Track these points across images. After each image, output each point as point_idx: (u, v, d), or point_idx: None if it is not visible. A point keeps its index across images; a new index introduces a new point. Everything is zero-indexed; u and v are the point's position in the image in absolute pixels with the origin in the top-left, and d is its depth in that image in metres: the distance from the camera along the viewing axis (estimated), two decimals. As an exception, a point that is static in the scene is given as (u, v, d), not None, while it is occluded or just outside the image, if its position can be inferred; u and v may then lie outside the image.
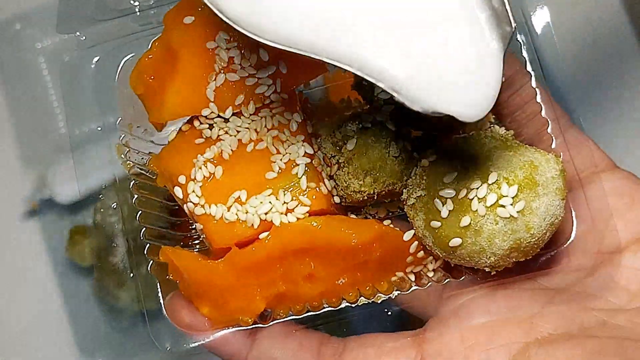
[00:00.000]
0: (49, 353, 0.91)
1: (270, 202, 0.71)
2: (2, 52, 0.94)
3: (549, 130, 0.77)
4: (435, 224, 0.70)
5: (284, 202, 0.71)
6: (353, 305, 0.74)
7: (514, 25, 0.61)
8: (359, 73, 0.61)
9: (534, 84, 0.78)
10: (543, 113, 0.78)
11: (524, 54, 0.79)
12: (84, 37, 0.83)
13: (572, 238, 0.75)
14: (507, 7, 0.61)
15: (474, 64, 0.61)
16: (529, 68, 0.79)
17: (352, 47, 0.61)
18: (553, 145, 0.77)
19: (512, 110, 0.80)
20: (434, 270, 0.76)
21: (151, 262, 0.76)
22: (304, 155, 0.72)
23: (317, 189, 0.72)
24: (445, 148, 0.72)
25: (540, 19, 0.88)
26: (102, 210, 0.92)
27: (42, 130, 0.91)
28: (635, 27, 0.95)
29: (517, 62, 0.80)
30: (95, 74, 0.82)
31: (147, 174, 0.79)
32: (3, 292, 0.93)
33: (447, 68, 0.62)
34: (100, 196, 0.89)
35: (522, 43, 0.79)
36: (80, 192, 0.83)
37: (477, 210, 0.68)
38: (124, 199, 0.79)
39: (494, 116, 0.80)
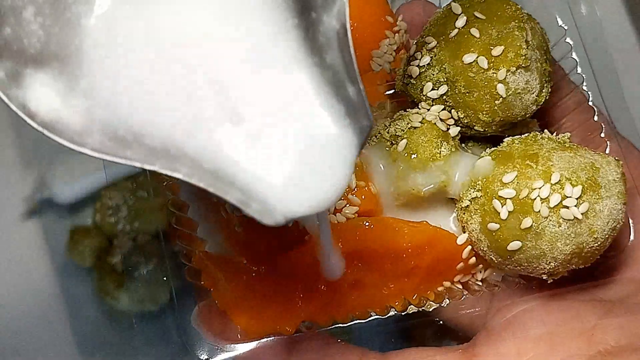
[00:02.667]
0: (49, 353, 0.90)
1: (318, 202, 0.66)
2: None
3: (602, 134, 0.74)
4: (493, 226, 0.66)
5: (333, 202, 0.67)
6: (402, 314, 0.70)
7: (371, 119, 0.52)
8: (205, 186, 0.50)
9: (585, 87, 0.76)
10: (595, 118, 0.75)
11: (574, 55, 0.76)
12: None
13: (629, 247, 0.72)
14: (364, 99, 0.52)
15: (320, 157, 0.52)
16: (579, 70, 0.76)
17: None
18: (607, 151, 0.74)
19: (558, 117, 0.78)
20: (482, 280, 0.72)
21: (187, 266, 0.71)
22: (352, 154, 0.68)
23: (367, 188, 0.68)
24: (500, 148, 0.69)
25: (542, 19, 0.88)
26: (102, 210, 0.91)
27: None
28: (635, 27, 0.94)
29: (560, 68, 0.77)
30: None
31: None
32: (3, 292, 0.91)
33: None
34: (100, 196, 0.87)
35: (571, 45, 0.77)
36: (80, 192, 0.79)
37: (539, 211, 0.64)
38: (124, 199, 0.75)
39: (538, 123, 0.77)
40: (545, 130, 0.73)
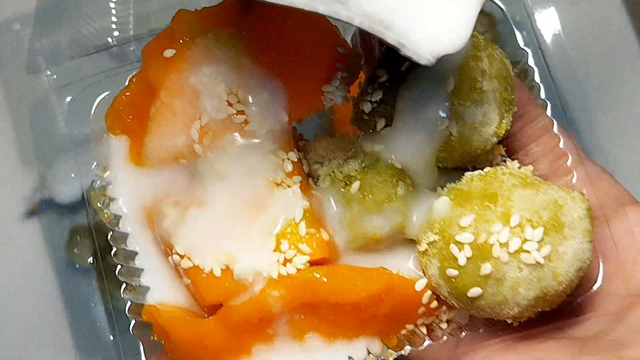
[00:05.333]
0: (49, 353, 0.90)
1: (265, 252, 0.63)
2: (2, 52, 0.92)
3: (568, 163, 0.70)
4: (452, 272, 0.62)
5: (282, 252, 0.63)
6: (361, 364, 0.66)
7: None
8: (363, 26, 0.54)
9: (549, 112, 0.72)
10: (561, 145, 0.71)
11: (531, 63, 0.73)
12: (54, 76, 0.76)
13: (598, 282, 0.68)
14: None
15: None
16: (537, 79, 0.72)
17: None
18: (574, 180, 0.70)
19: (524, 143, 0.74)
20: (447, 321, 0.69)
21: (133, 322, 0.67)
22: (301, 198, 0.65)
23: (318, 235, 0.64)
24: (459, 187, 0.65)
25: (542, 19, 0.86)
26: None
27: (42, 130, 0.89)
28: (635, 27, 0.92)
29: (526, 92, 0.74)
30: (67, 114, 0.75)
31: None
32: (3, 292, 0.91)
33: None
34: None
35: (528, 53, 0.73)
36: (80, 192, 0.79)
37: (499, 256, 0.61)
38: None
39: (504, 148, 0.73)
40: (508, 163, 0.70)
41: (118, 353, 0.72)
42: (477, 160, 0.70)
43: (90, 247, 0.92)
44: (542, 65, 0.76)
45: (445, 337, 0.68)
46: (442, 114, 0.64)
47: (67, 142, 0.78)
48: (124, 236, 0.69)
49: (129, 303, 0.69)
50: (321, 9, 0.51)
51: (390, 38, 0.54)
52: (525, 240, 0.61)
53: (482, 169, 0.67)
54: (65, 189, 0.90)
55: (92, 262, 0.91)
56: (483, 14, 0.78)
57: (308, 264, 0.64)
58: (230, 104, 0.66)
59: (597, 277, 0.69)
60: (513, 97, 0.68)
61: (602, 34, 0.87)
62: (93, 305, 0.87)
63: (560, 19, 0.76)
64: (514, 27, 0.77)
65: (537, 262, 0.61)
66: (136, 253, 0.69)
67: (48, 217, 0.91)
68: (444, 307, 0.68)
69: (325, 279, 0.62)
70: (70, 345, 0.88)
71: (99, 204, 0.71)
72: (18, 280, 0.90)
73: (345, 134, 0.74)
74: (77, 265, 0.92)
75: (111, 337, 0.76)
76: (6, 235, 0.92)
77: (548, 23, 0.73)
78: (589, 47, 0.74)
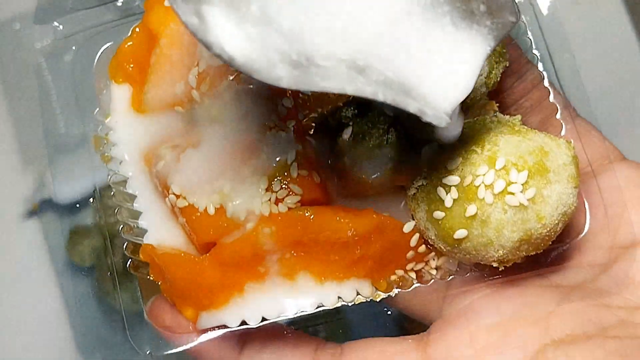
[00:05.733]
0: (49, 353, 0.90)
1: (258, 192, 0.65)
2: (2, 52, 0.93)
3: (557, 116, 0.72)
4: (439, 214, 0.64)
5: (274, 191, 0.65)
6: (350, 305, 0.68)
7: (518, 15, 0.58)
8: (386, 100, 0.55)
9: (540, 67, 0.73)
10: (551, 99, 0.72)
11: (529, 35, 0.74)
12: (61, 27, 0.78)
13: (585, 232, 0.70)
14: None
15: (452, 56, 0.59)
16: (534, 51, 0.74)
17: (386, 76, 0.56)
18: (563, 133, 0.72)
19: (516, 98, 0.75)
20: (436, 268, 0.71)
21: (129, 260, 0.70)
22: (294, 141, 0.67)
23: (309, 177, 0.66)
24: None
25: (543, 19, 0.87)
26: (102, 210, 0.89)
27: (42, 130, 0.89)
28: (635, 27, 0.92)
29: (519, 49, 0.75)
30: (72, 64, 0.77)
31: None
32: (3, 292, 0.92)
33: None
34: (101, 196, 0.84)
35: (526, 24, 0.74)
36: (80, 192, 0.80)
37: (484, 198, 0.63)
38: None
39: (497, 104, 0.74)
40: (498, 113, 0.71)
41: (118, 353, 0.74)
42: (469, 114, 0.72)
43: (90, 247, 0.92)
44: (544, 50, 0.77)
45: (432, 280, 0.69)
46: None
47: (67, 142, 0.79)
48: (124, 179, 0.71)
49: (126, 243, 0.71)
50: (349, 89, 0.53)
51: (413, 107, 0.55)
52: (510, 183, 0.62)
53: (474, 119, 0.69)
54: (65, 189, 0.88)
55: (92, 262, 0.92)
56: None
57: (299, 204, 0.65)
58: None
59: (584, 228, 0.70)
60: (504, 50, 0.70)
61: (603, 34, 0.87)
62: (93, 305, 0.87)
63: (561, 19, 0.77)
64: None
65: (521, 204, 0.62)
66: (135, 196, 0.71)
67: (48, 217, 0.92)
68: (433, 254, 0.70)
69: (313, 217, 0.64)
70: (70, 345, 0.89)
71: (100, 148, 0.73)
72: (18, 280, 0.91)
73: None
74: (77, 265, 0.92)
75: (112, 335, 0.77)
76: (6, 235, 0.92)
77: (548, 23, 0.74)
78: (589, 47, 0.75)
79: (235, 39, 0.51)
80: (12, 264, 0.93)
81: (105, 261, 0.78)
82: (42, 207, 0.93)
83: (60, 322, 0.90)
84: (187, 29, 0.50)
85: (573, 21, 0.94)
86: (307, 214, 0.64)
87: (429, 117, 0.55)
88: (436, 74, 0.58)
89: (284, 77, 0.51)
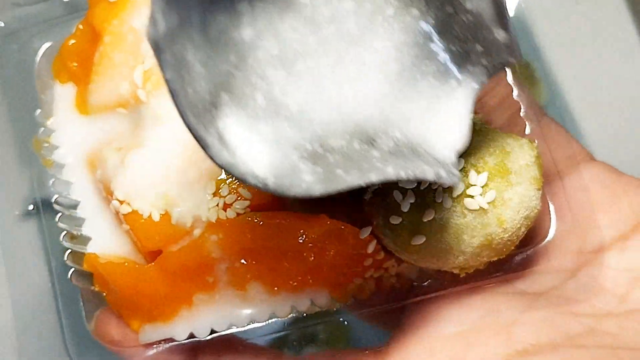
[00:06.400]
0: (48, 353, 0.86)
1: (205, 197, 0.62)
2: (2, 52, 0.90)
3: (521, 114, 0.69)
4: (395, 219, 0.61)
5: (222, 196, 0.62)
6: (304, 315, 0.65)
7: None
8: (409, 177, 0.53)
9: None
10: (515, 96, 0.69)
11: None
12: (2, 23, 0.74)
13: (550, 235, 0.67)
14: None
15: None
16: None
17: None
18: (527, 132, 0.69)
19: (480, 95, 0.72)
20: (397, 274, 0.67)
21: (72, 270, 0.66)
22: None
23: (260, 180, 0.63)
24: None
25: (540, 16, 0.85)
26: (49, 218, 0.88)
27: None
28: (636, 27, 0.91)
29: None
30: (14, 62, 0.74)
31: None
32: (2, 292, 0.88)
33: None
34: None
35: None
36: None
37: (441, 202, 0.59)
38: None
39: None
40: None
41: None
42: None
43: None
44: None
45: (390, 287, 0.66)
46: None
47: None
48: (66, 184, 0.68)
49: (68, 252, 0.67)
50: (374, 178, 0.51)
51: (430, 175, 0.53)
52: (469, 185, 0.60)
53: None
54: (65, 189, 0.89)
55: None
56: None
57: (249, 209, 0.62)
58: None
59: (549, 231, 0.67)
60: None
61: (603, 34, 0.86)
62: (92, 305, 0.86)
63: (561, 19, 0.75)
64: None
65: (481, 208, 0.59)
66: (78, 202, 0.68)
67: (48, 217, 0.87)
68: (393, 261, 0.67)
69: (262, 222, 0.60)
70: (70, 345, 0.83)
71: (42, 151, 0.69)
72: (17, 280, 0.87)
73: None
74: (77, 265, 0.90)
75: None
76: (5, 235, 0.89)
77: (549, 23, 0.72)
78: (590, 47, 0.73)
79: (260, 154, 0.50)
80: (11, 264, 0.88)
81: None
82: (42, 207, 0.87)
83: (60, 322, 0.85)
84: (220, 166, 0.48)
85: (573, 21, 0.93)
86: (255, 220, 0.61)
87: (444, 179, 0.54)
88: (436, 126, 0.57)
89: (311, 181, 0.50)
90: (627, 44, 0.93)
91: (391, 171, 0.52)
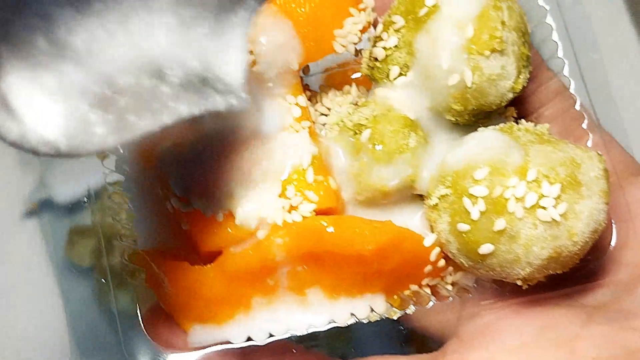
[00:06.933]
0: (49, 353, 0.89)
1: (270, 198, 0.60)
2: None
3: (584, 125, 0.68)
4: (463, 227, 0.60)
5: (287, 198, 0.60)
6: (364, 322, 0.64)
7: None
8: None
9: (566, 72, 0.69)
10: (577, 107, 0.68)
11: (555, 38, 0.70)
12: None
13: (610, 249, 0.66)
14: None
15: None
16: (560, 54, 0.70)
17: None
18: (589, 144, 0.68)
19: (536, 106, 0.71)
20: (452, 283, 0.66)
21: (127, 265, 0.64)
22: (309, 143, 0.62)
23: (326, 182, 0.61)
24: (471, 139, 0.63)
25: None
26: (101, 210, 0.86)
27: None
28: (635, 27, 0.91)
29: (538, 54, 0.71)
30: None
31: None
32: (2, 292, 0.91)
33: None
34: (100, 196, 0.81)
35: (553, 28, 0.70)
36: (80, 192, 0.77)
37: (514, 211, 0.58)
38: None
39: (516, 111, 0.70)
40: (523, 120, 0.67)
41: (117, 353, 0.69)
42: (489, 121, 0.67)
43: (89, 247, 0.90)
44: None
45: (451, 298, 0.65)
46: (459, 63, 0.61)
47: None
48: (120, 179, 0.66)
49: (122, 249, 0.65)
50: (166, 119, 0.52)
51: (221, 104, 0.55)
52: (541, 196, 0.58)
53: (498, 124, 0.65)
54: (65, 189, 0.88)
55: (91, 262, 0.90)
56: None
57: (314, 212, 0.61)
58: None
59: (610, 243, 0.66)
60: (529, 54, 0.66)
61: (603, 34, 0.85)
62: (92, 306, 0.85)
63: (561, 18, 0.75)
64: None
65: (553, 220, 0.58)
66: (131, 197, 0.66)
67: (48, 217, 0.90)
68: (450, 268, 0.65)
69: (332, 229, 0.59)
70: (70, 345, 0.84)
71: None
72: (18, 280, 0.90)
73: (350, 87, 0.71)
74: (77, 265, 0.90)
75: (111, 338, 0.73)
76: (6, 235, 0.91)
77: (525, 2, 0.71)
78: (590, 47, 0.73)
79: (48, 113, 0.48)
80: (11, 264, 0.91)
81: (101, 262, 0.75)
82: (42, 207, 0.90)
83: (60, 322, 0.85)
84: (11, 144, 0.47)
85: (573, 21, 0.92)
86: (324, 225, 0.59)
87: (235, 107, 0.54)
88: (222, 49, 0.56)
89: (103, 134, 0.48)
90: (626, 44, 0.93)
91: (184, 109, 0.51)
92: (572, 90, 0.69)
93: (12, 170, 0.91)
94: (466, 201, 0.60)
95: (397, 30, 0.64)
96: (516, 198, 0.58)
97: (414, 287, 0.65)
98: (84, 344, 0.83)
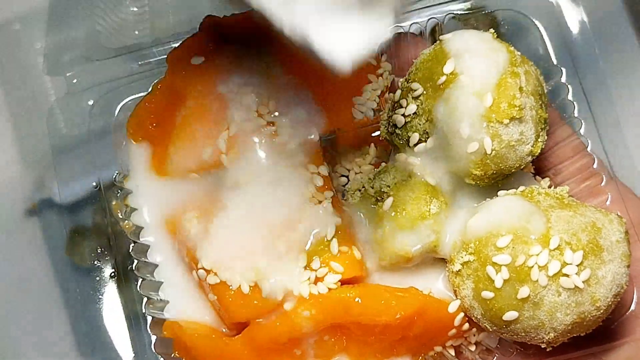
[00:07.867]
0: (49, 353, 0.88)
1: (295, 269, 0.61)
2: (2, 52, 0.91)
3: (602, 184, 0.69)
4: (487, 294, 0.61)
5: (313, 269, 0.61)
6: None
7: None
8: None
9: (582, 131, 0.70)
10: (595, 166, 0.69)
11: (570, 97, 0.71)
12: (75, 80, 0.74)
13: (632, 307, 0.67)
14: None
15: None
16: (576, 114, 0.71)
17: None
18: (608, 202, 0.68)
19: (553, 162, 0.72)
20: (475, 343, 0.67)
21: (155, 338, 0.65)
22: (333, 214, 0.63)
23: (350, 252, 0.62)
24: (493, 205, 0.63)
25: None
26: (101, 210, 0.86)
27: (42, 130, 0.87)
28: (635, 27, 0.91)
29: (555, 111, 0.72)
30: (88, 119, 0.73)
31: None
32: (3, 292, 0.89)
33: None
34: (100, 196, 0.84)
35: (569, 88, 0.71)
36: (80, 192, 0.79)
37: (537, 280, 0.59)
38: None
39: (534, 167, 0.71)
40: (542, 182, 0.68)
41: (118, 354, 0.70)
42: (508, 180, 0.68)
43: (89, 247, 0.87)
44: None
45: (473, 360, 0.66)
46: (479, 131, 0.62)
47: (67, 142, 0.77)
48: (145, 248, 0.67)
49: (149, 318, 0.66)
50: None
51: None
52: (564, 264, 0.59)
53: (515, 189, 0.66)
54: (65, 189, 0.86)
55: (91, 262, 0.86)
56: (484, 14, 0.76)
57: (339, 283, 0.61)
58: (260, 115, 0.64)
59: (631, 301, 0.67)
60: (547, 115, 0.67)
61: (602, 34, 0.86)
62: (93, 305, 0.85)
63: (555, 58, 0.75)
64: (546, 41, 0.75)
65: (577, 287, 0.59)
66: (157, 265, 0.67)
67: (48, 217, 0.89)
68: (474, 329, 0.66)
69: (358, 300, 0.60)
70: (70, 345, 0.86)
71: (120, 214, 0.69)
72: (18, 280, 0.89)
73: (368, 148, 0.72)
74: (77, 265, 0.88)
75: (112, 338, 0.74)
76: (6, 235, 0.90)
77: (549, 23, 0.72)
78: (589, 47, 0.73)
79: None
80: (12, 264, 0.90)
81: (105, 261, 0.76)
82: (42, 207, 0.90)
83: (60, 322, 0.87)
84: None
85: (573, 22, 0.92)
86: (349, 295, 0.60)
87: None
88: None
89: None
90: (626, 44, 0.93)
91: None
92: (589, 149, 0.70)
93: (12, 170, 0.91)
94: (490, 269, 0.60)
95: (415, 98, 0.65)
96: (539, 266, 0.59)
97: (438, 349, 0.66)
98: (84, 343, 0.84)
